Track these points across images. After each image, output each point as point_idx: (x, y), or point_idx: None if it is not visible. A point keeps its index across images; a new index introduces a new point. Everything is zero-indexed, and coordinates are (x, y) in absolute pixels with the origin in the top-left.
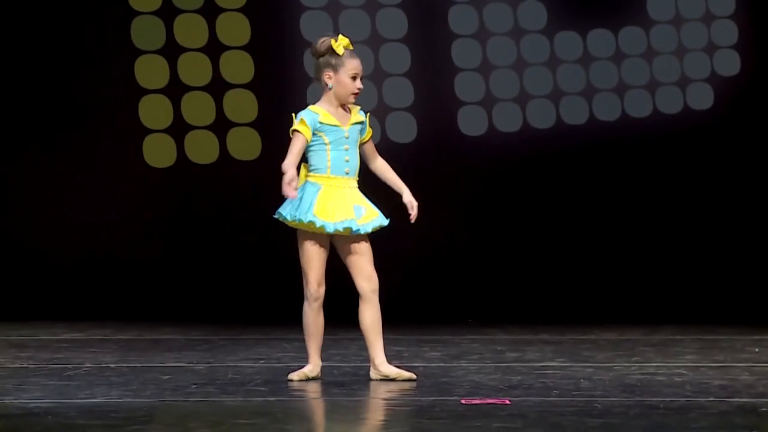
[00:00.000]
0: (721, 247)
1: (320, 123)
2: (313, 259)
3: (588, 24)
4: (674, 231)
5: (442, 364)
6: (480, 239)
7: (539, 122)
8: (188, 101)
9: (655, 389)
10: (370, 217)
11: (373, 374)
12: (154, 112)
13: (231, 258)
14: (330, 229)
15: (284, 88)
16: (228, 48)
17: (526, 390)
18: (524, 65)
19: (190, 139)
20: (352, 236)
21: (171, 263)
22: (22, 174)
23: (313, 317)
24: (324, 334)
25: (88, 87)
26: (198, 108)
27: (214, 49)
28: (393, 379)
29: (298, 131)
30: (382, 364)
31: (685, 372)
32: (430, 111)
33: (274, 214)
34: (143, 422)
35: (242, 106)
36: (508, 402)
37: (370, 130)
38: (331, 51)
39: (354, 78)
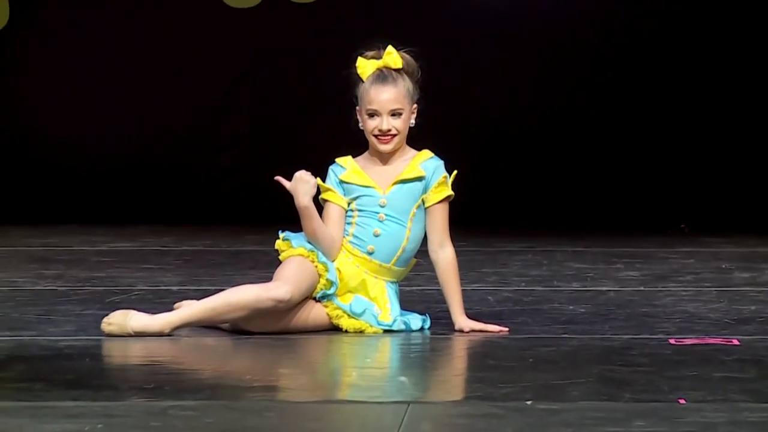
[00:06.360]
0: None
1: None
2: None
3: None
4: None
5: (641, 289)
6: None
7: None
8: None
9: None
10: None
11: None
12: None
13: None
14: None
15: None
16: None
17: (762, 325)
18: None
19: None
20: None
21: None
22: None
23: None
24: None
25: None
26: None
27: None
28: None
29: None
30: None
31: None
32: None
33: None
34: (207, 362)
35: None
36: (736, 342)
37: (441, 190)
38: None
39: (372, 115)
